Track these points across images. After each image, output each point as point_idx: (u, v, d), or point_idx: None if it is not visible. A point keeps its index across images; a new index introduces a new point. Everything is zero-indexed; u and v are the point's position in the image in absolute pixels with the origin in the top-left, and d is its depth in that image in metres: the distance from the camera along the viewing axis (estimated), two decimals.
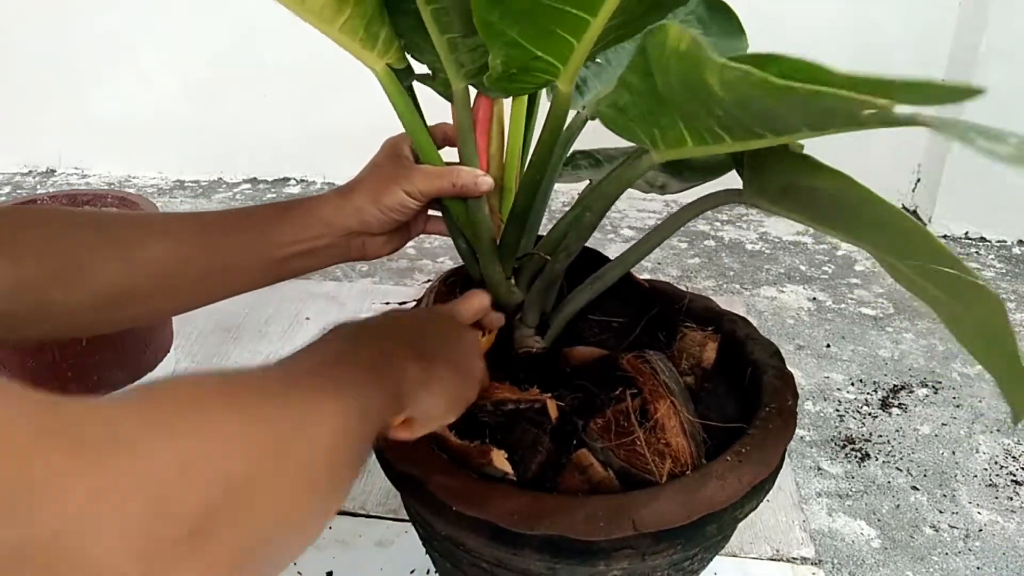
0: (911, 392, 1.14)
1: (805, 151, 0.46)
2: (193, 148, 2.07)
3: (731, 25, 0.71)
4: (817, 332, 1.30)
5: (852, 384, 1.16)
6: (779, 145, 0.44)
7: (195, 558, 0.26)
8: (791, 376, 0.65)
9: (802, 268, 1.53)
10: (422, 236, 0.72)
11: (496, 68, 0.51)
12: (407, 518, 0.70)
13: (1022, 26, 1.48)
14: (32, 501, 0.21)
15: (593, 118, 0.70)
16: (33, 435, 0.23)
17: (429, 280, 1.48)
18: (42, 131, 2.12)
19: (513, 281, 0.66)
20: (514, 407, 0.59)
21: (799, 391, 1.12)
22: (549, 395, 0.60)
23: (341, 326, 0.47)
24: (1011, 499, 0.94)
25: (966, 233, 1.66)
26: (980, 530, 0.89)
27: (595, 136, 0.71)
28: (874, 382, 1.16)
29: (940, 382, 1.16)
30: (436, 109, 0.66)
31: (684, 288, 0.78)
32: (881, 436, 1.05)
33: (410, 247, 1.60)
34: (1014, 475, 0.97)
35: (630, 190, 0.60)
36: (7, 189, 2.04)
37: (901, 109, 0.32)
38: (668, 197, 1.86)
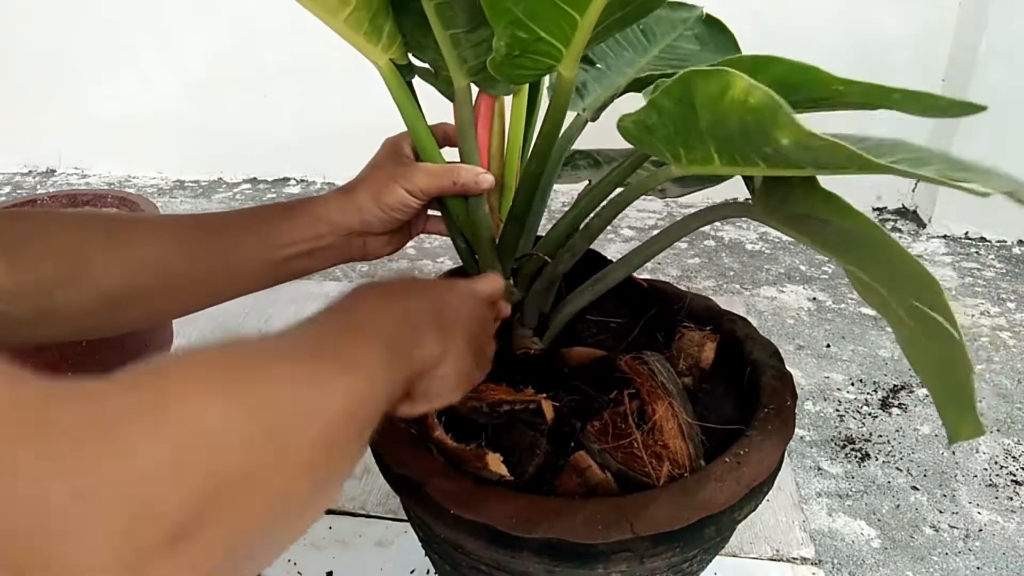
0: (911, 392, 1.14)
1: None
2: (193, 148, 2.07)
3: (727, 43, 0.72)
4: (817, 332, 1.30)
5: (852, 384, 1.16)
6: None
7: (180, 557, 0.25)
8: (790, 376, 0.65)
9: (802, 268, 1.53)
10: (423, 236, 0.72)
11: (500, 51, 0.51)
12: (407, 518, 0.70)
13: (1022, 26, 1.48)
14: (12, 500, 0.21)
15: (594, 120, 0.70)
16: (17, 425, 0.22)
17: None
18: (42, 131, 2.12)
19: (512, 281, 0.66)
20: (510, 408, 0.59)
21: (799, 391, 1.13)
22: (544, 396, 0.60)
23: (364, 286, 0.46)
24: (1011, 499, 0.93)
25: (966, 233, 1.66)
26: (980, 530, 0.89)
27: (594, 137, 0.71)
28: (874, 382, 1.16)
29: None
30: (436, 110, 0.66)
31: (684, 288, 0.78)
32: (881, 436, 1.05)
33: (410, 247, 1.60)
34: (1014, 475, 0.97)
35: None
36: (7, 189, 2.04)
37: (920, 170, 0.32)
38: (668, 199, 1.85)
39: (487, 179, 0.60)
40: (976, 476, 0.97)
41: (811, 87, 0.40)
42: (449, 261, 1.56)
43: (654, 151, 0.51)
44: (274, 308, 1.33)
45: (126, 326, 0.59)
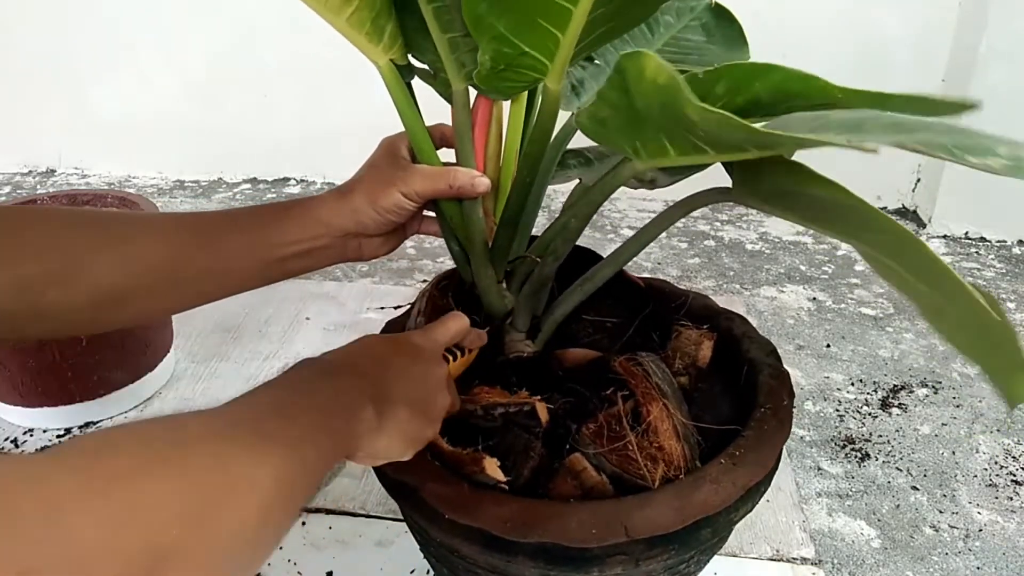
0: (911, 392, 1.13)
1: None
2: (193, 148, 2.07)
3: (734, 34, 0.71)
4: (817, 332, 1.30)
5: (852, 384, 1.16)
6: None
7: None
8: (787, 375, 0.65)
9: (802, 268, 1.53)
10: (423, 236, 0.72)
11: (484, 64, 0.51)
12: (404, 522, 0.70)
13: (1022, 26, 1.47)
14: None
15: None
16: None
17: (427, 280, 1.48)
18: (42, 131, 2.12)
19: (505, 285, 0.65)
20: (504, 410, 0.59)
21: (799, 391, 1.12)
22: (538, 398, 0.60)
23: (304, 362, 0.48)
24: (1011, 499, 0.93)
25: (966, 233, 1.65)
26: (980, 530, 0.89)
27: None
28: (874, 382, 1.16)
29: (940, 382, 1.16)
30: (435, 111, 0.66)
31: (684, 288, 0.78)
32: (881, 436, 1.04)
33: (410, 247, 1.60)
34: (1014, 475, 0.97)
35: (631, 190, 0.60)
36: (7, 189, 2.04)
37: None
38: (668, 196, 1.85)
39: (483, 183, 0.60)
40: (976, 476, 0.97)
41: (810, 95, 0.40)
42: (448, 261, 1.56)
43: (613, 145, 0.51)
44: (274, 308, 1.34)
45: (124, 323, 0.60)
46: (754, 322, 1.11)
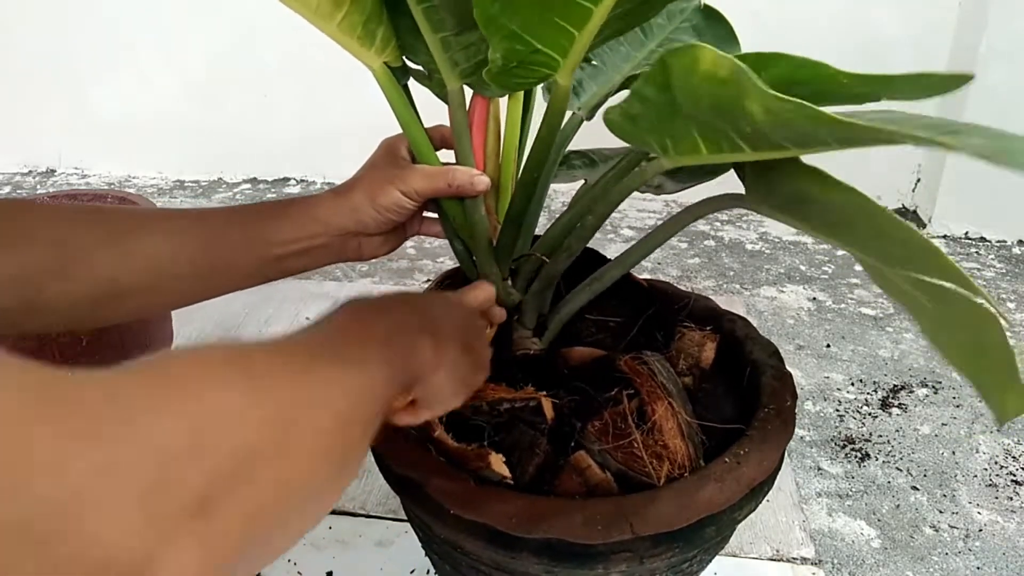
0: (911, 392, 1.14)
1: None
2: (193, 148, 2.07)
3: (725, 34, 0.72)
4: (817, 332, 1.30)
5: (852, 384, 1.16)
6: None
7: (201, 531, 0.25)
8: (790, 376, 0.65)
9: (802, 268, 1.53)
10: (423, 236, 0.72)
11: (496, 62, 0.51)
12: (407, 519, 0.70)
13: (1022, 26, 1.48)
14: (31, 475, 0.21)
15: (589, 119, 0.70)
16: (33, 406, 0.22)
17: (429, 280, 1.48)
18: (42, 131, 2.12)
19: (510, 282, 0.65)
20: (510, 406, 0.59)
21: (799, 391, 1.12)
22: (544, 393, 0.60)
23: (354, 300, 0.46)
24: (1011, 499, 0.93)
25: (966, 233, 1.66)
26: (980, 530, 0.89)
27: (591, 137, 0.71)
28: (874, 382, 1.16)
29: (940, 382, 1.16)
30: (433, 112, 0.66)
31: (685, 288, 0.78)
32: (881, 436, 1.05)
33: (410, 247, 1.60)
34: (1014, 475, 0.97)
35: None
36: (7, 189, 2.04)
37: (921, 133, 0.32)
38: (668, 197, 1.85)
39: (483, 181, 0.60)
40: (976, 476, 0.97)
41: (817, 82, 0.40)
42: (449, 261, 1.56)
43: (642, 143, 0.51)
44: (274, 308, 1.33)
45: (122, 317, 0.59)
46: (754, 322, 1.11)
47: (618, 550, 0.51)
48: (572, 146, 0.72)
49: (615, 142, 0.54)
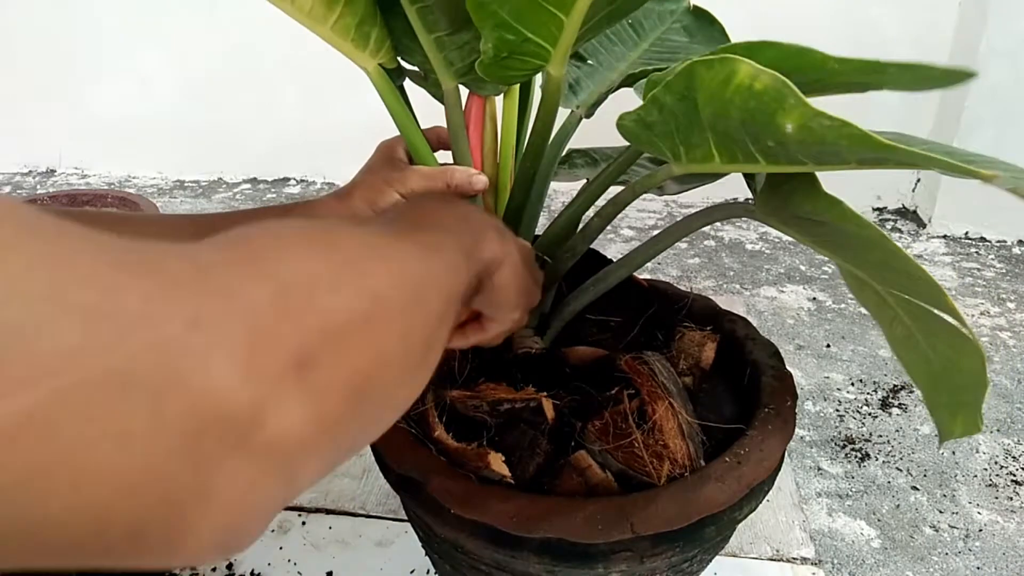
0: (911, 392, 1.14)
1: None
2: (193, 148, 2.07)
3: (716, 34, 0.72)
4: (817, 332, 1.30)
5: (852, 384, 1.16)
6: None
7: (304, 388, 0.25)
8: (790, 377, 0.65)
9: (802, 268, 1.53)
10: None
11: (487, 53, 0.51)
12: (407, 518, 0.70)
13: (1022, 26, 1.48)
14: (126, 327, 0.21)
15: (588, 117, 0.70)
16: (116, 268, 0.22)
17: None
18: (42, 131, 2.12)
19: None
20: (510, 406, 0.59)
21: (799, 391, 1.12)
22: (544, 394, 0.60)
23: (421, 197, 0.47)
24: (1011, 499, 0.93)
25: (966, 233, 1.66)
26: (980, 530, 0.89)
27: (590, 136, 0.71)
28: (874, 382, 1.16)
29: None
30: (432, 112, 0.66)
31: (685, 289, 0.78)
32: (881, 436, 1.05)
33: None
34: (1014, 475, 0.97)
35: None
36: (7, 189, 2.04)
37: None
38: (667, 197, 1.86)
39: (481, 180, 0.60)
40: (976, 476, 0.97)
41: (807, 69, 0.40)
42: None
43: (654, 149, 0.51)
44: None
45: None
46: (754, 322, 1.11)
47: (618, 549, 0.51)
48: (573, 145, 0.72)
49: (617, 141, 0.54)
